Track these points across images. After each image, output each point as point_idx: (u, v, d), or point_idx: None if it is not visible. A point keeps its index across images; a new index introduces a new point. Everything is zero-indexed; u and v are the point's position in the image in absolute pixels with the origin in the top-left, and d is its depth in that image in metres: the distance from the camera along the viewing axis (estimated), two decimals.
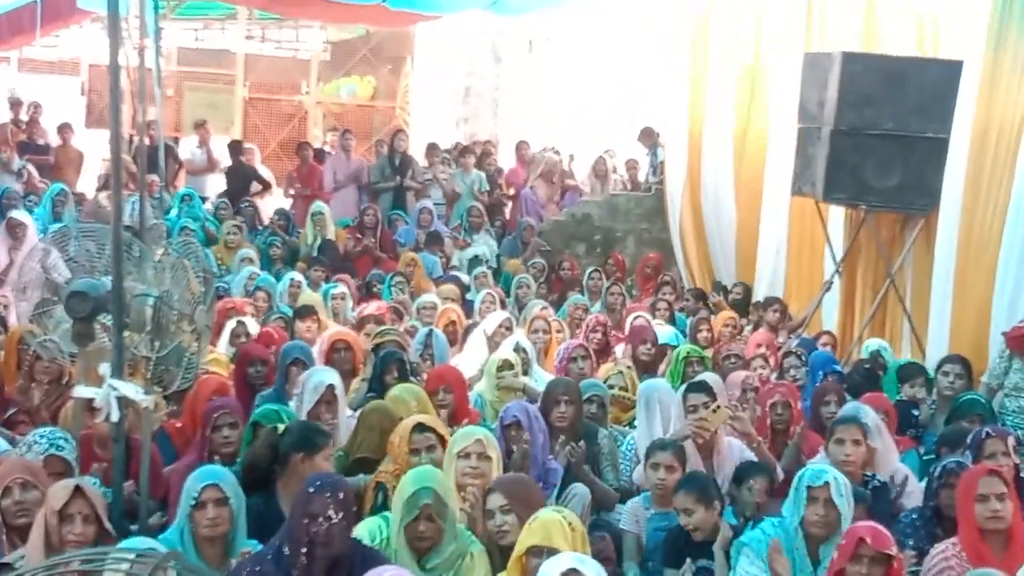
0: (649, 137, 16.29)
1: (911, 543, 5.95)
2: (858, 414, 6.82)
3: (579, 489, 6.62)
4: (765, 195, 13.15)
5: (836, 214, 11.59)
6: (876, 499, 6.45)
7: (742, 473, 6.53)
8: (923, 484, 6.83)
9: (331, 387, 6.89)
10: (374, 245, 14.22)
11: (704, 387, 7.19)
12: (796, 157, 11.27)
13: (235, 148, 17.37)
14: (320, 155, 17.32)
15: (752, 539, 5.66)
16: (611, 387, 8.28)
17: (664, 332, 9.94)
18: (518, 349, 8.72)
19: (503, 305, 11.35)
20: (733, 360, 9.23)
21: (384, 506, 5.89)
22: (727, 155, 13.99)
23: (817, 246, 12.08)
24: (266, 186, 16.77)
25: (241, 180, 16.56)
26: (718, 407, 6.88)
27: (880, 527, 5.13)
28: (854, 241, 11.38)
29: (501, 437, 6.48)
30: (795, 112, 11.36)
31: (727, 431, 7.05)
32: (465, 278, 13.08)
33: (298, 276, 11.96)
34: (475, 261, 14.07)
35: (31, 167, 15.91)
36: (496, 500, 5.45)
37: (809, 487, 5.57)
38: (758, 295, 12.93)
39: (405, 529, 5.21)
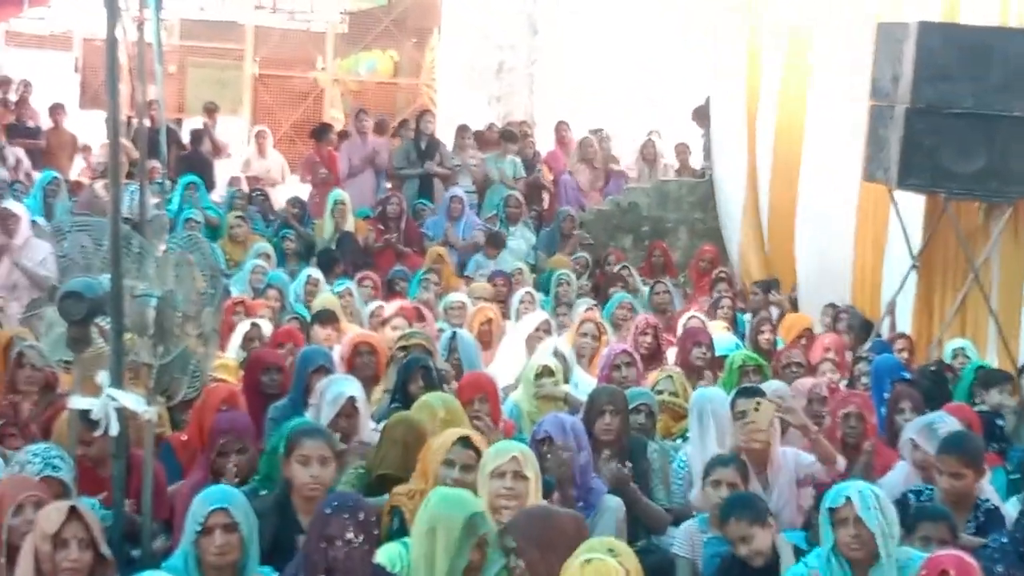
0: (705, 116, 16.23)
1: (1000, 569, 5.89)
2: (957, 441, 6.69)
3: (611, 503, 6.59)
4: (801, 180, 13.12)
5: (911, 202, 11.50)
6: (988, 523, 6.41)
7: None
8: (1008, 504, 6.81)
9: (352, 399, 6.88)
10: (398, 238, 14.22)
11: (756, 392, 7.08)
12: (867, 139, 11.19)
13: (196, 136, 17.38)
14: (345, 137, 17.16)
15: (795, 574, 5.66)
16: (659, 392, 8.23)
17: (724, 340, 9.82)
18: (557, 354, 8.69)
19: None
20: (794, 369, 9.16)
21: (401, 532, 5.84)
22: (770, 135, 13.97)
23: (879, 238, 12.01)
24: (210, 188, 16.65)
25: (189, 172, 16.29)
26: (759, 403, 6.82)
27: (965, 556, 5.10)
28: (933, 233, 11.29)
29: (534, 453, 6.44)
30: (855, 87, 11.32)
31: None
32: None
33: (316, 272, 11.96)
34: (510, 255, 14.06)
35: (20, 152, 15.93)
36: (508, 541, 5.34)
37: (831, 509, 5.57)
38: (804, 292, 12.85)
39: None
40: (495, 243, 14.12)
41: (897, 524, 5.58)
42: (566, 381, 8.54)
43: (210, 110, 18.27)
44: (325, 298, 10.95)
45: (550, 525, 5.33)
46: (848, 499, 5.52)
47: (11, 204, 11.89)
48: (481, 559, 5.20)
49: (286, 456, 5.94)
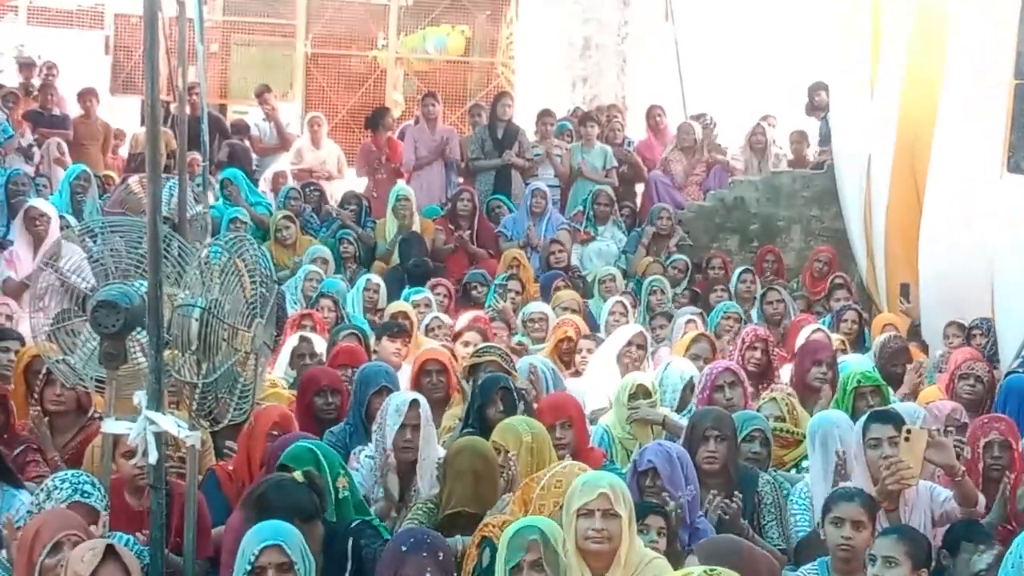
0: (822, 99, 16.13)
1: None
2: None
3: None
4: (931, 172, 13.01)
5: None
6: None
7: (957, 536, 6.39)
8: None
9: (415, 403, 6.90)
10: (470, 238, 14.21)
11: (892, 417, 7.02)
12: (1010, 124, 11.09)
13: (239, 126, 17.49)
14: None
15: None
16: (765, 418, 8.17)
17: (851, 359, 9.64)
18: (689, 385, 8.66)
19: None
20: (973, 383, 8.97)
21: (492, 568, 5.85)
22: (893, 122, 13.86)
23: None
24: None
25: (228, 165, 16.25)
26: (909, 434, 6.69)
27: None
28: None
29: (634, 488, 6.40)
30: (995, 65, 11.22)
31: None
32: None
33: (376, 278, 11.97)
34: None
35: (64, 146, 16.00)
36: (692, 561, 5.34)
37: None
38: (926, 299, 12.73)
39: None
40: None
41: None
42: (682, 409, 8.48)
43: (260, 92, 18.15)
44: (394, 305, 10.96)
45: (742, 561, 5.30)
46: None
47: (39, 203, 11.97)
48: None
49: None
